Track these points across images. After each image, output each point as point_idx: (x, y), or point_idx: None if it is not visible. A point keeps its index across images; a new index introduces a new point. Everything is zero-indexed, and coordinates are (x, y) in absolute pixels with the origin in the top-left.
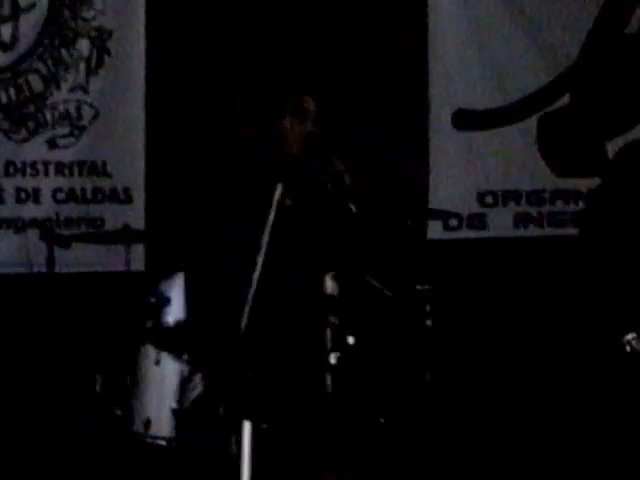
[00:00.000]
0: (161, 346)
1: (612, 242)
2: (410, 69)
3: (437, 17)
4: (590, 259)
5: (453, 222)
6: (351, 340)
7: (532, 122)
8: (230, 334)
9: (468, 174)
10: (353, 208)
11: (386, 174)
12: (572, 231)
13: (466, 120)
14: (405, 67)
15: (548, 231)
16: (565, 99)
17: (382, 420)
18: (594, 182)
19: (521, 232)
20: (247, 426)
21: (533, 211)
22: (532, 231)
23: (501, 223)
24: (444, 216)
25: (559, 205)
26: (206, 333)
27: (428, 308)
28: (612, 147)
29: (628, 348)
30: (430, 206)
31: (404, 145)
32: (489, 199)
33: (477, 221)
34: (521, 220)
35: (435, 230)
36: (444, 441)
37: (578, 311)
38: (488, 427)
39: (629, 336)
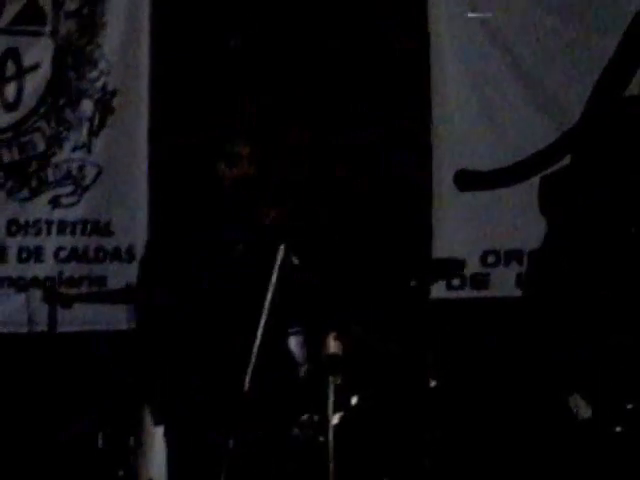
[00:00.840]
0: None
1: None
2: (414, 131)
3: (439, 77)
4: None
5: (456, 282)
6: (354, 400)
7: (534, 182)
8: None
9: (471, 234)
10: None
11: (391, 237)
12: None
13: (469, 181)
14: (409, 129)
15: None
16: (566, 160)
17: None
18: None
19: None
20: None
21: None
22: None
23: (504, 283)
24: (449, 270)
25: None
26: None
27: (432, 368)
28: None
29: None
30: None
31: (408, 207)
32: (492, 258)
33: (480, 280)
34: (523, 280)
35: (439, 289)
36: None
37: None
38: None
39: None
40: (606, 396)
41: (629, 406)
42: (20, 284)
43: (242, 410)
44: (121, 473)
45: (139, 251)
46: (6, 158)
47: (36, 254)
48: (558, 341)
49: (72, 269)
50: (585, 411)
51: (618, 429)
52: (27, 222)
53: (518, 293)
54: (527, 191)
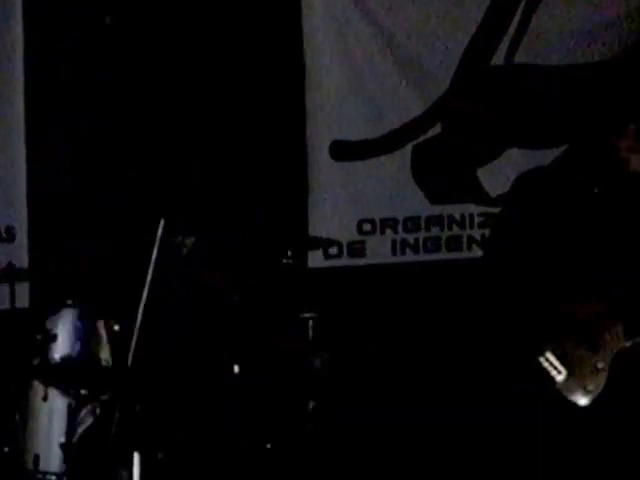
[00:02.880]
0: (48, 382)
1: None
2: (287, 103)
3: (312, 51)
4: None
5: (333, 250)
6: (236, 369)
7: (407, 151)
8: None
9: (346, 203)
10: None
11: (265, 207)
12: (446, 256)
13: (343, 151)
14: (282, 101)
15: (424, 257)
16: (437, 128)
17: (268, 445)
18: (467, 208)
19: (398, 258)
20: (137, 458)
21: (410, 237)
22: (409, 257)
23: (380, 250)
24: (324, 244)
25: (434, 231)
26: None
27: (311, 336)
28: (482, 173)
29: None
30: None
31: (283, 177)
32: (367, 227)
33: (357, 249)
34: (398, 246)
35: (315, 259)
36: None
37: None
38: (373, 454)
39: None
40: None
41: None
42: None
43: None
44: (6, 449)
45: (19, 231)
46: None
47: None
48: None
49: None
50: (559, 371)
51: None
52: None
53: (393, 260)
54: (400, 160)
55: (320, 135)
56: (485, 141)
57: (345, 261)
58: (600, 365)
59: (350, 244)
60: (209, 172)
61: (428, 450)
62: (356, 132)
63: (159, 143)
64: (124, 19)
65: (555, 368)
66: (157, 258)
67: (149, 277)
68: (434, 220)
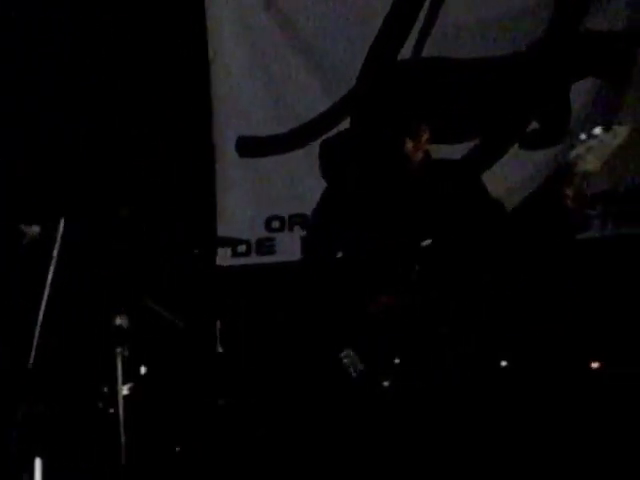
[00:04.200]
0: None
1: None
2: (193, 100)
3: (218, 45)
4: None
5: (242, 248)
6: (143, 370)
7: (315, 146)
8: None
9: (254, 200)
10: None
11: (173, 205)
12: None
13: (250, 147)
14: (188, 99)
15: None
16: (345, 123)
17: (177, 448)
18: None
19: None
20: (38, 464)
21: None
22: None
23: (289, 247)
24: (232, 243)
25: None
26: None
27: (219, 334)
28: None
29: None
30: (218, 234)
31: (190, 175)
32: (276, 224)
33: (266, 246)
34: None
35: (224, 257)
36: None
37: None
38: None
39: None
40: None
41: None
42: None
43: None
44: None
45: None
46: None
47: None
48: (338, 303)
49: None
50: (358, 367)
51: (386, 384)
52: None
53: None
54: (308, 156)
55: (227, 132)
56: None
57: (254, 259)
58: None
59: (259, 241)
60: (112, 168)
61: None
62: (263, 128)
63: (60, 138)
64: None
65: (354, 365)
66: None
67: (49, 276)
68: None
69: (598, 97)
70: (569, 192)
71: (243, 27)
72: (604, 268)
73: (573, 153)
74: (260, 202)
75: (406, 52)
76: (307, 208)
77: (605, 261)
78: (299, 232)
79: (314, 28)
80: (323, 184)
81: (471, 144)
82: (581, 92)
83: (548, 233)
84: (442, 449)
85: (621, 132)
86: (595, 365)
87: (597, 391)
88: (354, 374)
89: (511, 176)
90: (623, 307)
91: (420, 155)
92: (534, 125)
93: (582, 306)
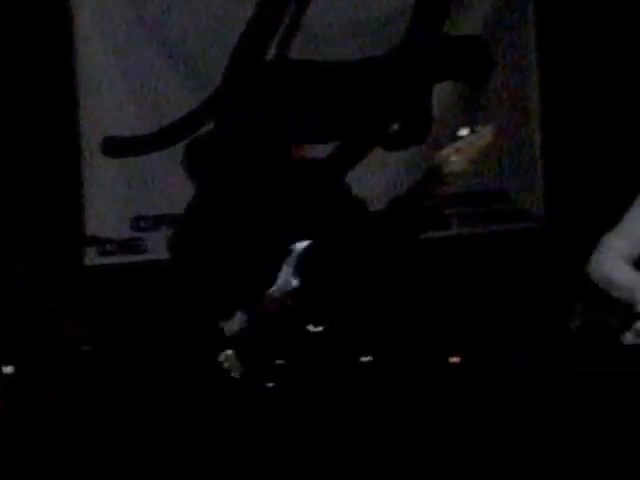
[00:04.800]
0: None
1: None
2: (59, 100)
3: (83, 46)
4: None
5: (109, 247)
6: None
7: (180, 147)
8: None
9: (121, 200)
10: None
11: (39, 205)
12: None
13: (115, 147)
14: (54, 98)
15: None
16: (210, 124)
17: None
18: None
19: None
20: None
21: None
22: None
23: (156, 246)
24: (99, 242)
25: None
26: None
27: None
28: None
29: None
30: (86, 233)
31: (57, 174)
32: (143, 223)
33: (133, 245)
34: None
35: (91, 256)
36: None
37: None
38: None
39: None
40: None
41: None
42: None
43: None
44: None
45: None
46: None
47: None
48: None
49: None
50: (236, 368)
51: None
52: None
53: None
54: (174, 156)
55: (93, 132)
56: (259, 137)
57: (121, 258)
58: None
59: (126, 241)
60: None
61: None
62: (129, 128)
63: None
64: None
65: (232, 363)
66: None
67: None
68: None
69: (458, 99)
70: (438, 192)
71: (107, 27)
72: (448, 267)
73: (442, 155)
74: (127, 202)
75: (271, 53)
76: (173, 208)
77: (449, 260)
78: (166, 231)
79: (179, 28)
80: (189, 184)
81: (334, 145)
82: (442, 94)
83: (412, 231)
84: (318, 446)
85: (486, 134)
86: (454, 360)
87: (456, 386)
88: (235, 375)
89: (374, 177)
90: (475, 303)
91: (297, 154)
92: (396, 127)
93: (436, 302)
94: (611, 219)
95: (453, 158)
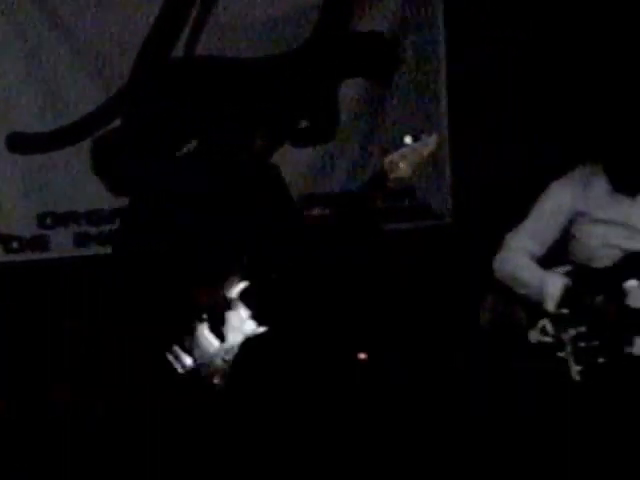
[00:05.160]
0: None
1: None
2: None
3: None
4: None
5: (15, 244)
6: None
7: (87, 143)
8: None
9: (26, 196)
10: None
11: None
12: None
13: (21, 143)
14: None
15: (108, 250)
16: (117, 122)
17: None
18: None
19: (82, 252)
20: None
21: (93, 230)
22: (94, 249)
23: (63, 244)
24: (5, 239)
25: (118, 223)
26: None
27: None
28: None
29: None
30: None
31: None
32: (49, 220)
33: (39, 243)
34: (82, 239)
35: None
36: None
37: None
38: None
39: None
40: None
41: None
42: None
43: None
44: None
45: None
46: None
47: None
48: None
49: None
50: (184, 362)
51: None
52: None
53: (77, 253)
54: (80, 153)
55: None
56: (167, 133)
57: (27, 255)
58: (227, 357)
59: (32, 238)
60: None
61: None
62: (35, 124)
63: None
64: None
65: (180, 361)
66: None
67: None
68: (117, 213)
69: (365, 96)
70: (379, 195)
71: (14, 23)
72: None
73: (387, 160)
74: (33, 198)
75: (179, 50)
76: (80, 205)
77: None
78: (73, 228)
79: (86, 25)
80: (96, 181)
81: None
82: (349, 91)
83: (358, 232)
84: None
85: (431, 141)
86: (362, 356)
87: (364, 382)
88: (180, 370)
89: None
90: (384, 300)
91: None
92: (304, 123)
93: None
94: (518, 217)
95: (400, 164)
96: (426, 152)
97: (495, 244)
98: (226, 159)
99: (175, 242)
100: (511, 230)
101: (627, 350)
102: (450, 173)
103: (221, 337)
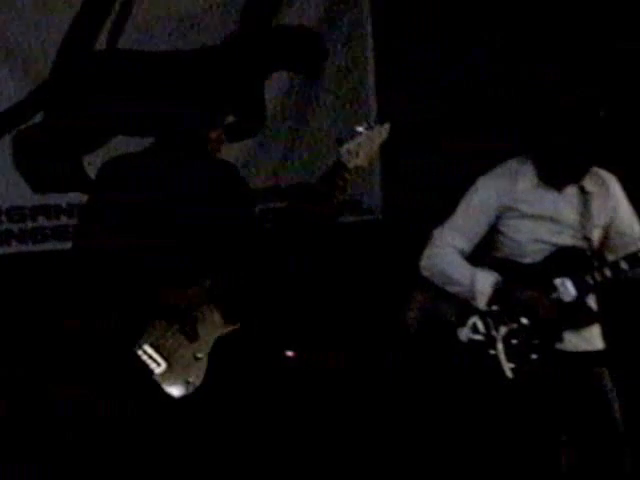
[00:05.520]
0: None
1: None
2: None
3: None
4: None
5: None
6: None
7: (7, 139)
8: None
9: None
10: None
11: None
12: (55, 246)
13: None
14: None
15: (31, 247)
16: (40, 116)
17: None
18: (75, 197)
19: (4, 249)
20: None
21: (14, 228)
22: (15, 247)
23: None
24: None
25: (41, 221)
26: None
27: None
28: (89, 161)
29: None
30: None
31: None
32: None
33: None
34: (3, 237)
35: None
36: None
37: None
38: None
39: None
40: None
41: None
42: None
43: None
44: None
45: None
46: None
47: None
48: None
49: None
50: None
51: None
52: None
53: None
54: (1, 148)
55: None
56: (90, 128)
57: None
58: (199, 355)
59: None
60: None
61: None
62: None
63: None
64: None
65: (154, 360)
66: None
67: None
68: (40, 210)
69: (292, 90)
70: (341, 185)
71: None
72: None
73: (344, 150)
74: None
75: (101, 44)
76: (2, 201)
77: None
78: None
79: (6, 17)
80: (18, 177)
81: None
82: (275, 85)
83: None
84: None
85: (383, 130)
86: (290, 354)
87: (292, 380)
88: (157, 370)
89: None
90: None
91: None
92: (231, 118)
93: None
94: (446, 213)
95: (359, 153)
96: (379, 141)
97: (425, 239)
98: (182, 154)
99: (138, 241)
100: (438, 226)
101: (557, 346)
102: (380, 169)
103: (191, 337)
